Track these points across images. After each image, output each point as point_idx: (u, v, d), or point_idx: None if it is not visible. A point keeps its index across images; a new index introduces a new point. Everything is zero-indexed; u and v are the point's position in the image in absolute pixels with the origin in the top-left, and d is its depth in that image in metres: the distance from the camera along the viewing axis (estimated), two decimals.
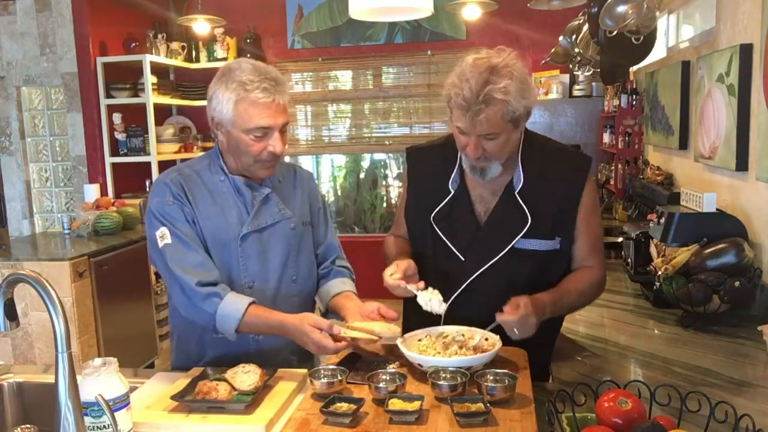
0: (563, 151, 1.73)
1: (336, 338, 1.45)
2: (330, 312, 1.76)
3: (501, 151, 1.57)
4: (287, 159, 6.11)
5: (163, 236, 1.59)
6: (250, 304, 1.54)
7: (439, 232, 1.68)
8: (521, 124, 1.57)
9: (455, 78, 1.51)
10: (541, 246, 1.62)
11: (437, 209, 1.69)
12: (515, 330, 1.44)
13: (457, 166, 1.69)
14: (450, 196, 1.68)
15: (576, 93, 5.15)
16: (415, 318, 1.66)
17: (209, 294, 1.54)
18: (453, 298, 1.63)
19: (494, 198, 1.66)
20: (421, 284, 1.55)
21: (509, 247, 1.61)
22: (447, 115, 1.60)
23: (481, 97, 1.46)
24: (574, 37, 3.68)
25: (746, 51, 2.27)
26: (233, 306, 1.53)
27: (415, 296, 1.54)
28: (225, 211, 1.64)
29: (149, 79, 4.74)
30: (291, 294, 1.71)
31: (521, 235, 1.61)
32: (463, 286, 1.64)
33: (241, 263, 1.64)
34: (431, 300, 1.52)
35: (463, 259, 1.65)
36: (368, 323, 1.53)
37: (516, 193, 1.63)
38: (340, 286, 1.76)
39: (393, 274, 1.54)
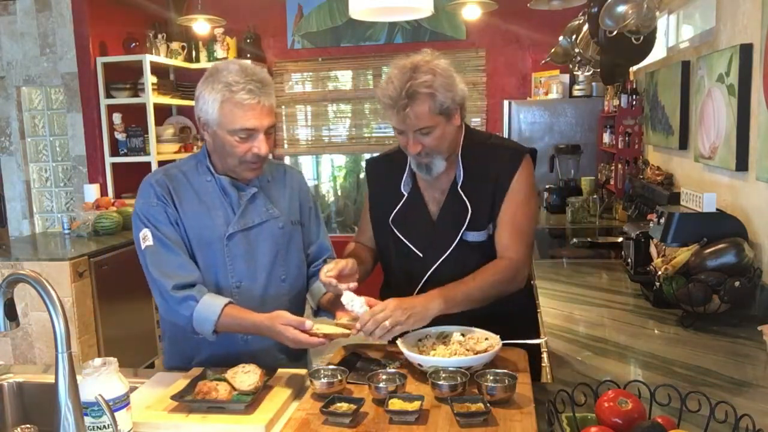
0: (501, 143, 1.84)
1: (309, 334, 1.45)
2: (322, 310, 1.77)
3: (440, 145, 1.66)
4: (287, 159, 6.11)
5: (145, 238, 1.61)
6: (225, 305, 1.54)
7: (398, 233, 1.78)
8: (455, 117, 1.66)
9: (383, 83, 1.63)
10: (483, 237, 1.73)
11: (394, 212, 1.79)
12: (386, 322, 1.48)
13: (407, 170, 1.79)
14: (404, 198, 1.79)
15: (576, 93, 5.15)
16: None
17: (185, 297, 1.55)
18: (416, 291, 1.72)
19: (443, 195, 1.76)
20: (353, 285, 1.58)
21: (457, 239, 1.72)
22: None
23: (404, 93, 1.57)
24: (574, 37, 3.68)
25: (746, 51, 2.27)
26: (209, 308, 1.54)
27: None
28: (211, 211, 1.65)
29: (149, 79, 4.74)
30: (280, 294, 1.71)
31: (465, 227, 1.71)
32: (423, 280, 1.74)
33: (228, 263, 1.65)
34: (353, 300, 1.54)
35: (421, 255, 1.75)
36: (352, 320, 1.54)
37: (459, 188, 1.73)
38: None
39: (328, 272, 1.57)
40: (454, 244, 1.72)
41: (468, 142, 1.75)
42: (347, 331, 1.49)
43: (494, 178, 1.73)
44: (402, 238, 1.77)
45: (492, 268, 1.70)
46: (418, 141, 1.63)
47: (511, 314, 1.64)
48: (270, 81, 1.62)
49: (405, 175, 1.79)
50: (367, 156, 6.40)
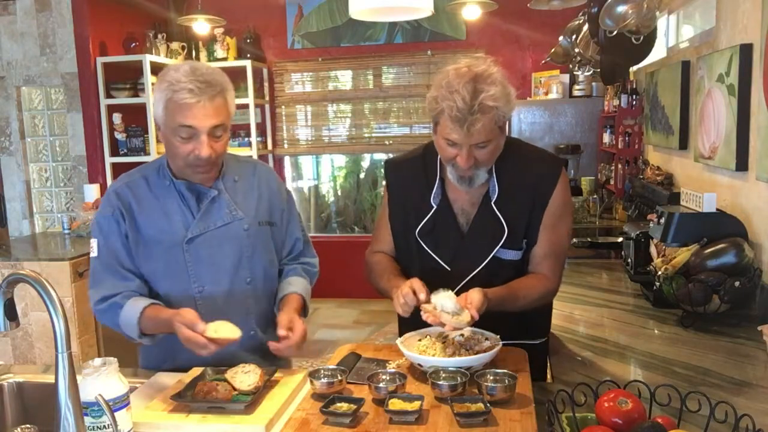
0: (535, 155, 1.73)
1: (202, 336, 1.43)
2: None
3: (491, 159, 1.58)
4: (287, 159, 6.11)
5: (92, 248, 1.64)
6: (145, 307, 1.55)
7: (425, 246, 1.69)
8: (505, 129, 1.59)
9: (443, 90, 1.49)
10: (517, 256, 1.65)
11: (422, 224, 1.69)
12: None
13: (438, 180, 1.68)
14: (433, 210, 1.68)
15: (576, 93, 5.15)
16: (410, 318, 1.66)
17: (110, 305, 1.59)
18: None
19: (474, 209, 1.67)
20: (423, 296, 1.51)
21: (490, 257, 1.63)
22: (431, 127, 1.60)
23: (476, 106, 1.46)
24: (574, 37, 3.68)
25: (746, 51, 2.27)
26: (130, 313, 1.56)
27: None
28: (169, 216, 1.64)
29: (149, 79, 4.74)
30: (245, 296, 1.69)
31: (500, 245, 1.63)
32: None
33: (189, 268, 1.63)
34: (444, 303, 1.46)
35: (449, 269, 1.66)
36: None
37: (492, 203, 1.64)
38: (285, 288, 1.75)
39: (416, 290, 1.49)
40: (486, 261, 1.63)
41: (501, 152, 1.64)
42: (236, 337, 1.45)
43: (531, 192, 1.64)
44: (429, 251, 1.68)
45: (536, 286, 1.63)
46: (472, 155, 1.53)
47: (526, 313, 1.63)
48: (220, 82, 1.56)
49: (436, 186, 1.68)
50: (367, 156, 6.47)
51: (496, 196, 1.63)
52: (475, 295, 1.46)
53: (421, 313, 1.46)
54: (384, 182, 1.83)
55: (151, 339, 1.60)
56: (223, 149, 1.61)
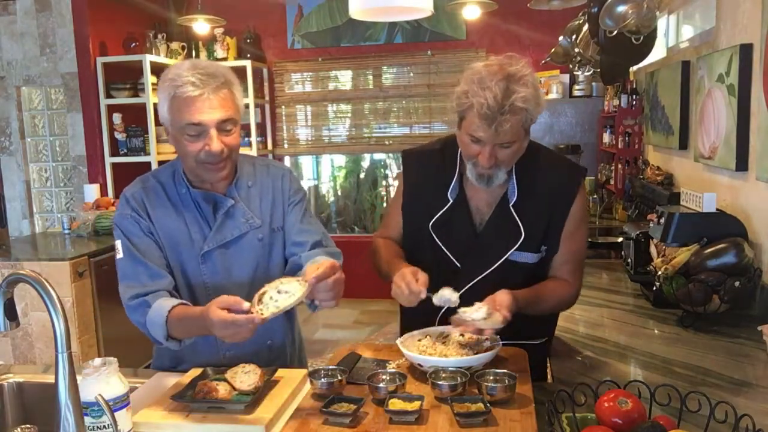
0: (556, 161, 1.73)
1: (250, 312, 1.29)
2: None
3: (513, 159, 1.57)
4: (287, 159, 6.11)
5: (117, 249, 1.58)
6: (174, 307, 1.47)
7: (437, 240, 1.68)
8: (530, 132, 1.58)
9: (474, 86, 1.47)
10: (533, 258, 1.65)
11: (436, 217, 1.67)
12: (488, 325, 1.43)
13: (456, 175, 1.67)
14: (449, 204, 1.67)
15: (576, 93, 5.15)
16: (412, 317, 1.66)
17: (140, 303, 1.51)
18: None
19: (489, 209, 1.66)
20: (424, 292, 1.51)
21: (503, 259, 1.63)
22: (452, 121, 1.59)
23: (507, 106, 1.44)
24: (574, 37, 3.69)
25: (746, 51, 2.27)
26: (158, 313, 1.47)
27: (429, 298, 1.50)
28: (187, 226, 1.59)
29: (149, 79, 4.74)
30: None
31: (515, 248, 1.62)
32: (460, 292, 1.63)
33: (206, 280, 1.60)
34: (443, 295, 1.48)
35: (459, 265, 1.66)
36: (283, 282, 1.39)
37: (510, 206, 1.63)
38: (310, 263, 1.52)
39: (419, 282, 1.49)
40: (498, 263, 1.63)
41: (521, 156, 1.61)
42: (288, 305, 1.32)
43: (551, 199, 1.63)
44: (441, 245, 1.67)
45: (558, 290, 1.64)
46: (495, 154, 1.51)
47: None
48: (223, 73, 1.49)
49: (454, 180, 1.67)
50: (367, 156, 6.47)
51: (515, 198, 1.63)
52: (503, 296, 1.46)
53: (452, 327, 1.46)
54: (401, 172, 1.81)
55: (178, 344, 1.51)
56: (235, 144, 1.54)
